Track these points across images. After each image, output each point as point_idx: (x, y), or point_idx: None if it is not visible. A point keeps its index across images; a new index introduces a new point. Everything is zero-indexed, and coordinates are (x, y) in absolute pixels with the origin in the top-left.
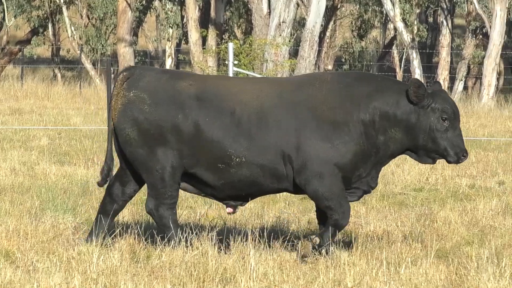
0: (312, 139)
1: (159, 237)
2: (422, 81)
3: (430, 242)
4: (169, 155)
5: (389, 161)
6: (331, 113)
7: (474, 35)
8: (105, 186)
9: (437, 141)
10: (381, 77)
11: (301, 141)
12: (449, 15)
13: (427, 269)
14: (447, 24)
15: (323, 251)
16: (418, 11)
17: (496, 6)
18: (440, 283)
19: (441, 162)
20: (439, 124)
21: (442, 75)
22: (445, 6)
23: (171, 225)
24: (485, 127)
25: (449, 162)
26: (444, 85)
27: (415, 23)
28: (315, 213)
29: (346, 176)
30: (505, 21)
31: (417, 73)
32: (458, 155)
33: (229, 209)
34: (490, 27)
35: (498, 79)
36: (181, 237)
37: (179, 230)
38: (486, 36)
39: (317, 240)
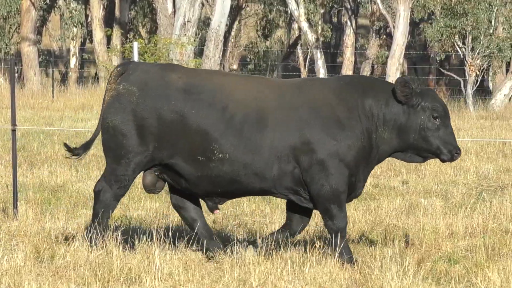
0: (319, 137)
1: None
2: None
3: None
4: (145, 147)
5: (375, 165)
6: (335, 111)
7: (378, 35)
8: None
9: (429, 140)
10: (375, 78)
11: (308, 140)
12: (353, 15)
13: (331, 268)
14: (351, 24)
15: (344, 261)
16: (322, 11)
17: (400, 6)
18: (344, 282)
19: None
20: (430, 123)
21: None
22: (349, 6)
23: (101, 214)
24: None
25: (443, 160)
26: None
27: (320, 23)
28: (287, 212)
29: (352, 173)
30: (409, 21)
31: (322, 72)
32: (451, 152)
33: (217, 211)
34: (394, 27)
35: None
36: (104, 229)
37: (103, 222)
38: (390, 36)
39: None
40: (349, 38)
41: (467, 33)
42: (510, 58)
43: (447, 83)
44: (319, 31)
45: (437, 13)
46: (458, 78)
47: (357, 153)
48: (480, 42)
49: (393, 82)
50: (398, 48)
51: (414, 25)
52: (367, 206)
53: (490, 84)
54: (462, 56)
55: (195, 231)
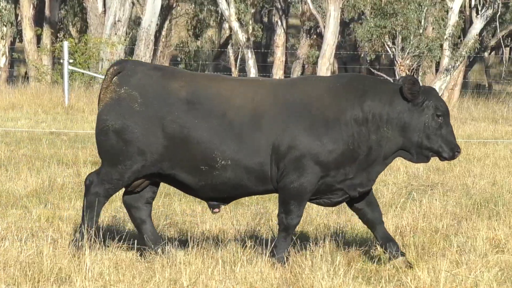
0: (303, 135)
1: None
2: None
3: (266, 241)
4: (145, 156)
5: (384, 166)
6: (324, 111)
7: (308, 35)
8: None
9: (432, 139)
10: (374, 78)
11: (291, 138)
12: (283, 15)
13: (262, 268)
14: (282, 24)
15: (276, 258)
16: (253, 11)
17: (330, 6)
18: (275, 282)
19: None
20: (433, 122)
21: (277, 75)
22: (279, 6)
23: (91, 211)
24: None
25: (443, 159)
26: None
27: (250, 22)
28: (359, 217)
29: (329, 174)
30: (339, 21)
31: (253, 72)
32: (453, 150)
33: (216, 210)
34: (324, 27)
35: None
36: (90, 228)
37: (91, 219)
38: (320, 36)
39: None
40: (279, 38)
41: (397, 33)
42: (439, 58)
43: None
44: (250, 31)
45: (367, 13)
46: (388, 78)
47: (340, 156)
48: (410, 42)
49: (400, 81)
50: (328, 48)
51: (344, 25)
52: None
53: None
54: (392, 56)
55: (142, 233)
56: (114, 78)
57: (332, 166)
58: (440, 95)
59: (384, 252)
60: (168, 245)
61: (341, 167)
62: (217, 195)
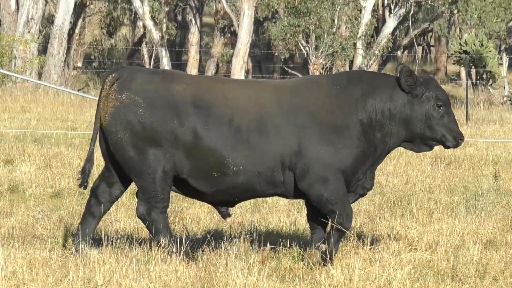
0: (315, 144)
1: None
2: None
3: (180, 239)
4: (161, 159)
5: (385, 157)
6: (331, 117)
7: (222, 34)
8: (88, 187)
9: (434, 128)
10: (371, 73)
11: (303, 146)
12: (197, 14)
13: (176, 266)
14: (196, 23)
15: (330, 257)
16: (167, 9)
17: (244, 5)
18: (190, 280)
19: None
20: (435, 112)
21: (192, 73)
22: (193, 5)
23: (162, 230)
24: None
25: (447, 147)
26: None
27: (164, 21)
28: (307, 216)
29: (348, 180)
30: (253, 20)
31: None
32: (456, 139)
33: (229, 219)
34: (238, 26)
35: (246, 78)
36: (173, 242)
37: (170, 234)
38: (235, 34)
39: (323, 247)
40: (194, 36)
41: (311, 32)
42: (353, 57)
43: None
44: (164, 29)
45: (281, 12)
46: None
47: (355, 158)
48: (323, 41)
49: (396, 72)
50: (242, 47)
51: (258, 23)
52: None
53: None
54: (306, 55)
55: (84, 226)
56: (113, 86)
57: (349, 171)
58: None
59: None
60: (82, 243)
61: (356, 171)
62: (228, 199)
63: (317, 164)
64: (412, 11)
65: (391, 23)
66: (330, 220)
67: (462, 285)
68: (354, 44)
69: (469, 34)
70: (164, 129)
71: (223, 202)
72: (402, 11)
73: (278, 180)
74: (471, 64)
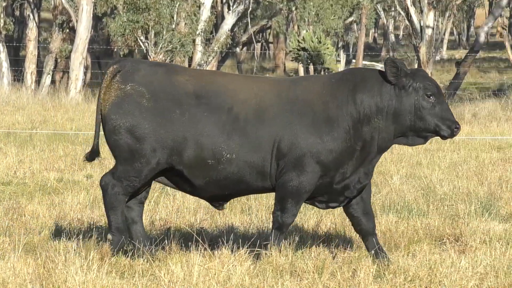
0: (304, 133)
1: None
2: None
3: (18, 236)
4: (157, 151)
5: (379, 156)
6: (323, 108)
7: (61, 29)
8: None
9: (426, 119)
10: (365, 69)
11: (293, 135)
12: (36, 9)
13: (15, 263)
14: (34, 18)
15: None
16: (4, 4)
17: (82, 1)
18: (28, 277)
19: None
20: (425, 102)
21: (30, 69)
22: (31, 0)
23: (115, 211)
24: (72, 121)
25: (443, 137)
26: (32, 78)
27: (2, 16)
28: (353, 226)
29: (329, 173)
30: (92, 15)
31: (5, 66)
32: (450, 128)
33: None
34: (77, 21)
35: (85, 73)
36: (120, 226)
37: (122, 218)
38: (73, 30)
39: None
40: (32, 31)
41: (150, 28)
42: (192, 53)
43: None
44: (2, 24)
45: (120, 8)
46: None
47: (340, 152)
48: (162, 37)
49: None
50: (81, 42)
51: (97, 19)
52: (51, 200)
53: None
54: (145, 51)
55: (131, 233)
56: (116, 77)
57: (332, 166)
58: None
59: (373, 262)
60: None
61: (340, 167)
62: (221, 192)
63: (303, 151)
64: (250, 8)
65: (230, 19)
66: (273, 208)
67: (300, 280)
68: (193, 41)
69: (307, 31)
70: (166, 119)
71: (216, 196)
72: (241, 7)
73: (267, 171)
74: (309, 61)
